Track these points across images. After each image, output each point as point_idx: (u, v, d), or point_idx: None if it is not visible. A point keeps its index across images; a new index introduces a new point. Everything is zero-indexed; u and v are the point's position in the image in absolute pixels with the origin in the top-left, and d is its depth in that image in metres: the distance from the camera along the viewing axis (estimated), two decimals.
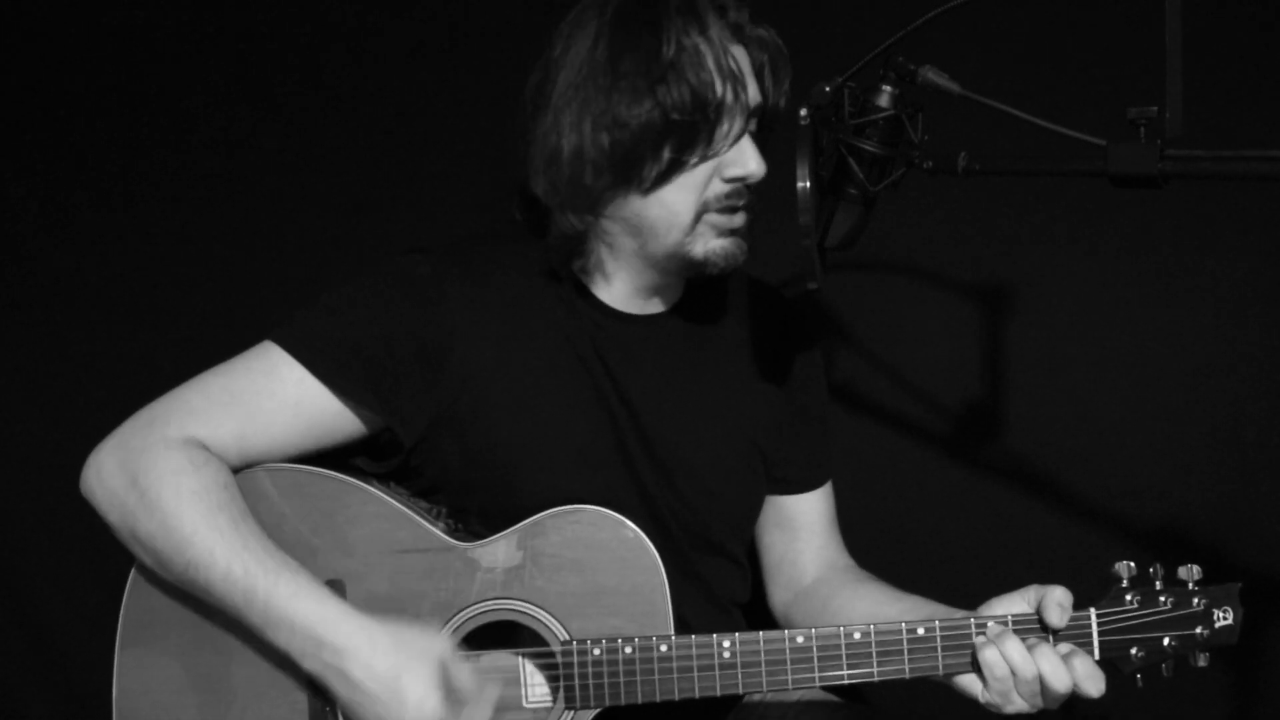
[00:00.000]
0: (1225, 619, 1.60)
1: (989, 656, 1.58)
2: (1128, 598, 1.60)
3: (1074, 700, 1.59)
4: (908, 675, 1.62)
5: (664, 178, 1.66)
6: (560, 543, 1.67)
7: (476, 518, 1.73)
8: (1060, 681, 1.56)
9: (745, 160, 1.68)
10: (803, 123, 1.58)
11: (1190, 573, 1.60)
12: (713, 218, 1.70)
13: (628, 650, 1.63)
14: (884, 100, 1.59)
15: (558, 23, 1.75)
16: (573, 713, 1.65)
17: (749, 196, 1.71)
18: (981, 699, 1.62)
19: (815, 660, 1.62)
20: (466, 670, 1.60)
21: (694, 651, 1.63)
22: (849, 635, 1.62)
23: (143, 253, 2.67)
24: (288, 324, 1.70)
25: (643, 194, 1.67)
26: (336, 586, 1.67)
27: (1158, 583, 1.61)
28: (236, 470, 1.68)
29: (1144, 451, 2.41)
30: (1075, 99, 1.92)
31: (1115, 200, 1.69)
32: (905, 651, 1.61)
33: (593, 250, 1.75)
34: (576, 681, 1.64)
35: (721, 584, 1.87)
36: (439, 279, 1.71)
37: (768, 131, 1.73)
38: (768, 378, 1.91)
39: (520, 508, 1.68)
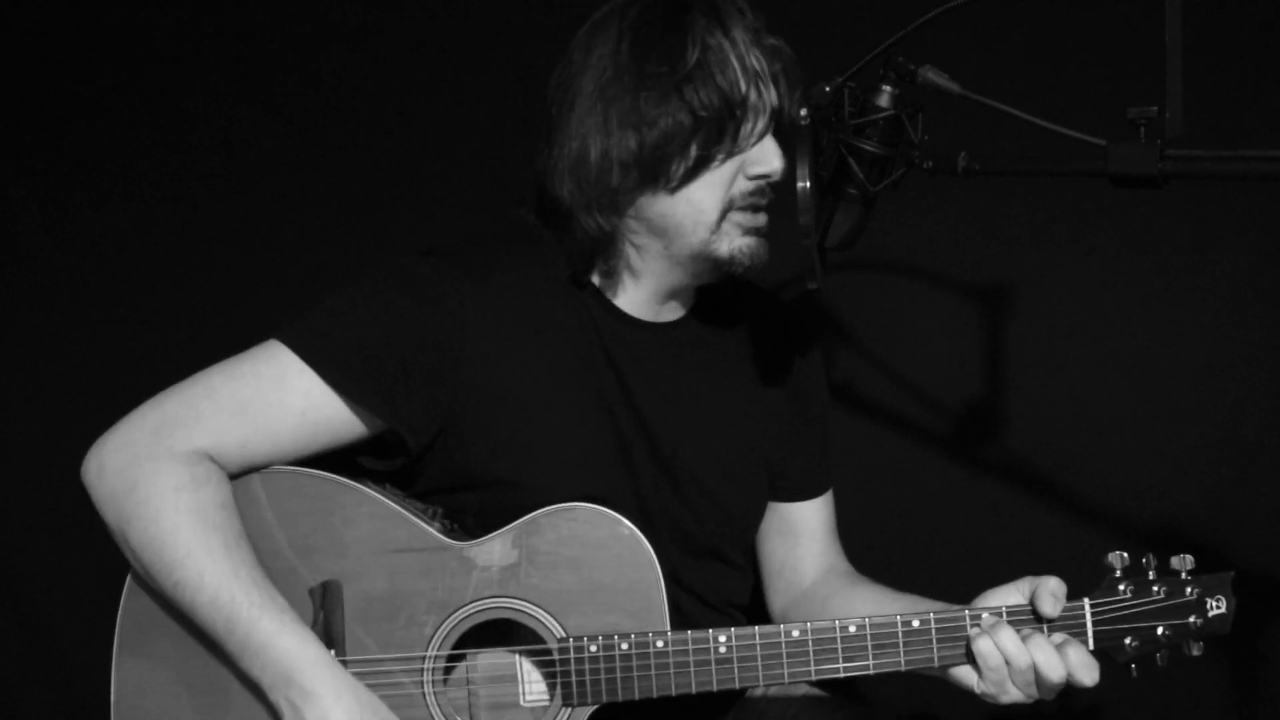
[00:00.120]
0: (1218, 607, 1.60)
1: (983, 646, 1.58)
2: (1121, 587, 1.61)
3: (1069, 691, 1.59)
4: (903, 668, 1.62)
5: (691, 175, 1.67)
6: (556, 540, 1.67)
7: (473, 518, 1.73)
8: (1054, 671, 1.56)
9: (769, 158, 1.69)
10: (803, 123, 1.58)
11: (1183, 562, 1.61)
12: (737, 216, 1.71)
13: (624, 646, 1.64)
14: (884, 100, 1.59)
15: (558, 23, 1.76)
16: (570, 710, 1.65)
17: (770, 195, 1.72)
18: (977, 689, 1.62)
19: (811, 654, 1.62)
20: None
21: (690, 647, 1.63)
22: (844, 629, 1.62)
23: (143, 253, 2.67)
24: (296, 326, 1.69)
25: (669, 192, 1.68)
26: (333, 587, 1.67)
27: (1150, 573, 1.61)
28: (237, 475, 1.68)
29: (1144, 451, 2.41)
30: (1075, 99, 1.92)
31: (1115, 200, 1.70)
32: (900, 644, 1.62)
33: (620, 253, 1.76)
34: (574, 678, 1.64)
35: (721, 589, 1.87)
36: (448, 281, 1.70)
37: (780, 137, 1.74)
38: (773, 386, 1.91)
39: (521, 510, 1.68)
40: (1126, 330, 2.42)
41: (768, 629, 1.63)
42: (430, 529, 1.69)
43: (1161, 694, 2.29)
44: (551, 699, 1.68)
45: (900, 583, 1.88)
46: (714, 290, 1.86)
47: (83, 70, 2.68)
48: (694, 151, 1.66)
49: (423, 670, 1.67)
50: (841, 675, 1.62)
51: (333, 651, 1.63)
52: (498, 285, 1.73)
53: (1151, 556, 1.61)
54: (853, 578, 1.93)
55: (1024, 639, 1.58)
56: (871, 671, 1.62)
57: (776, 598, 1.98)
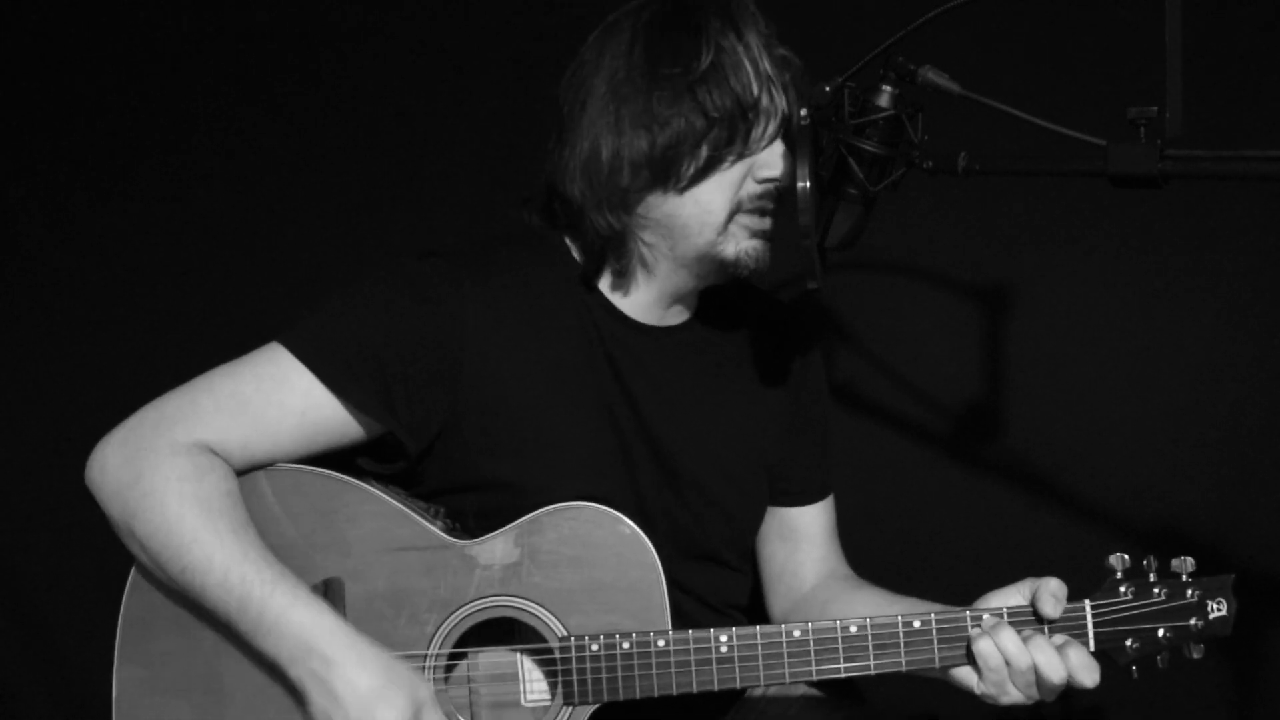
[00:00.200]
0: (1219, 610, 1.60)
1: (983, 647, 1.58)
2: (1122, 589, 1.61)
3: (1070, 692, 1.59)
4: (904, 668, 1.62)
5: (700, 176, 1.68)
6: (558, 539, 1.67)
7: (474, 517, 1.73)
8: (1055, 672, 1.56)
9: (778, 161, 1.70)
10: (803, 123, 1.58)
11: (1184, 564, 1.61)
12: (744, 218, 1.71)
13: (625, 646, 1.64)
14: (884, 100, 1.59)
15: (558, 23, 1.76)
16: (571, 709, 1.65)
17: (778, 198, 1.72)
18: (977, 690, 1.62)
19: (813, 654, 1.62)
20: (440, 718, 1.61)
21: (691, 646, 1.63)
22: (845, 629, 1.62)
23: (143, 253, 2.67)
24: (296, 328, 1.69)
25: (678, 192, 1.69)
26: (335, 585, 1.67)
27: (1152, 575, 1.61)
28: (240, 473, 1.68)
29: (1144, 451, 2.41)
30: (1075, 99, 1.92)
31: (1115, 200, 1.70)
32: (901, 644, 1.62)
33: (629, 252, 1.76)
34: (575, 677, 1.64)
35: (720, 590, 1.87)
36: (449, 282, 1.70)
37: (788, 145, 1.74)
38: (774, 391, 1.92)
39: (522, 511, 1.68)
40: (1126, 330, 2.42)
41: (769, 629, 1.63)
42: (433, 528, 1.69)
43: (1162, 695, 2.29)
44: (553, 698, 1.68)
45: (899, 582, 1.88)
46: (717, 295, 1.86)
47: (83, 70, 2.68)
48: (704, 152, 1.66)
49: (424, 669, 1.67)
50: (843, 675, 1.62)
51: None
52: (498, 286, 1.74)
53: (1153, 559, 1.61)
54: (853, 582, 1.93)
55: (1025, 640, 1.58)
56: (872, 672, 1.62)
57: (777, 602, 1.98)
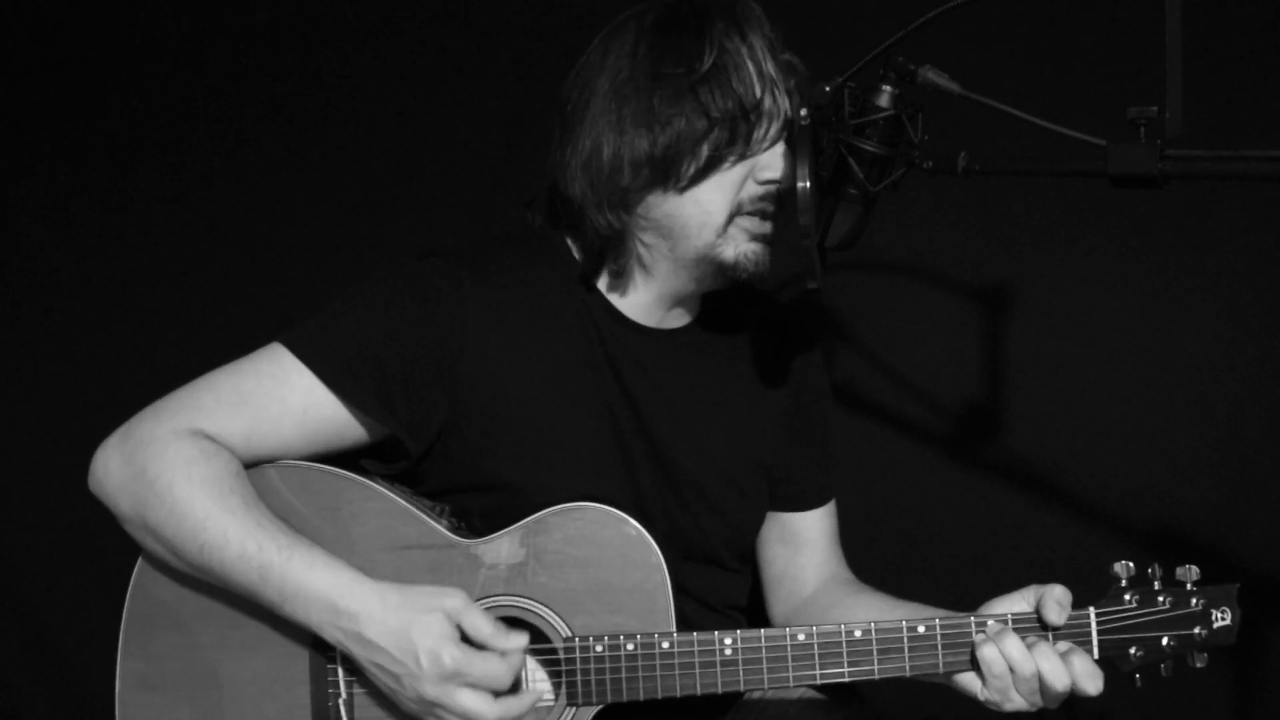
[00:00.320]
0: (1223, 619, 1.60)
1: (988, 654, 1.58)
2: (1126, 597, 1.60)
3: (1073, 699, 1.59)
4: (908, 673, 1.62)
5: (700, 176, 1.67)
6: (563, 540, 1.67)
7: (479, 517, 1.73)
8: (1059, 679, 1.56)
9: (779, 163, 1.70)
10: (803, 123, 1.58)
11: (1188, 573, 1.60)
12: (744, 221, 1.71)
13: (630, 647, 1.64)
14: (884, 100, 1.59)
15: (558, 23, 1.76)
16: (574, 709, 1.66)
17: (778, 202, 1.72)
18: (981, 697, 1.62)
19: (817, 658, 1.62)
20: (484, 620, 1.59)
21: (696, 648, 1.63)
22: (850, 633, 1.62)
23: (143, 253, 2.67)
24: (298, 329, 1.69)
25: (678, 192, 1.69)
26: None
27: (1156, 583, 1.61)
28: (245, 466, 1.68)
29: (1144, 451, 2.41)
30: (1075, 99, 1.92)
31: (1115, 200, 1.70)
32: (906, 649, 1.61)
33: (628, 252, 1.76)
34: (579, 678, 1.64)
35: (719, 592, 1.87)
36: (449, 282, 1.70)
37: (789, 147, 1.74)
38: (776, 395, 1.91)
39: (522, 511, 1.68)
40: (1126, 330, 2.42)
41: (773, 632, 1.63)
42: (438, 526, 1.69)
43: (1164, 699, 2.29)
44: (556, 698, 1.68)
45: (900, 583, 1.88)
46: (719, 299, 1.86)
47: (83, 70, 2.68)
48: (705, 152, 1.66)
49: None
50: (846, 680, 1.62)
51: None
52: (499, 286, 1.74)
53: (1157, 566, 1.61)
54: (855, 586, 1.93)
55: (1029, 647, 1.57)
56: (876, 676, 1.62)
57: (778, 606, 1.98)
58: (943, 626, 1.61)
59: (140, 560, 1.71)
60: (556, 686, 1.68)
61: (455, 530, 1.70)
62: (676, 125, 1.66)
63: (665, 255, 1.75)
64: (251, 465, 1.69)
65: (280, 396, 1.67)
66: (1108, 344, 2.43)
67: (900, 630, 1.62)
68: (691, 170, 1.67)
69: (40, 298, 2.69)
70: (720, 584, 1.87)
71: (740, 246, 1.72)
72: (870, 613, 1.82)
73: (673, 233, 1.72)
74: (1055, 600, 1.59)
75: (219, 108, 2.66)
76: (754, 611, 1.98)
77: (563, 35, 1.82)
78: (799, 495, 1.95)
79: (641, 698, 1.63)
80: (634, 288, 1.79)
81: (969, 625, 1.61)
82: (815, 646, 1.62)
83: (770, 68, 1.68)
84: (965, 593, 1.71)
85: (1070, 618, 1.59)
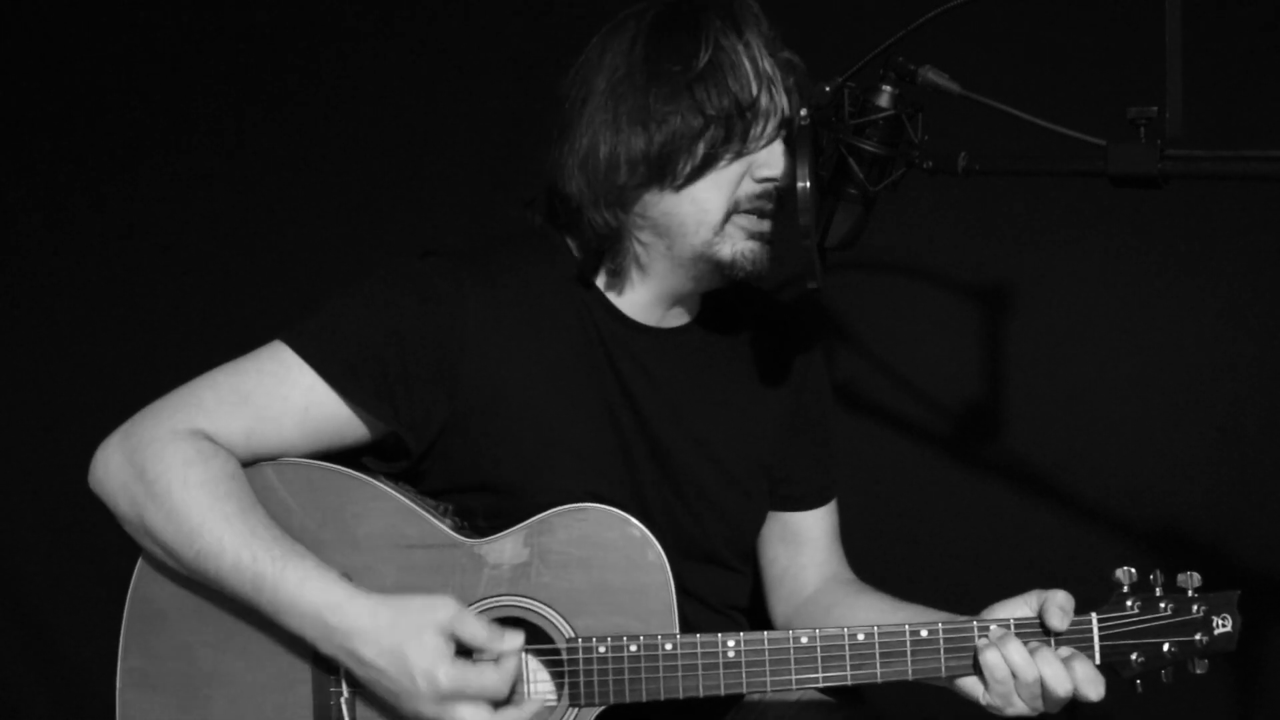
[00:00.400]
0: (1224, 626, 1.60)
1: (990, 659, 1.58)
2: (1128, 603, 1.60)
3: (1075, 704, 1.59)
4: (910, 677, 1.62)
5: (697, 174, 1.67)
6: (567, 540, 1.67)
7: (483, 517, 1.73)
8: (1061, 685, 1.56)
9: (777, 161, 1.70)
10: (803, 123, 1.58)
11: (1189, 580, 1.60)
12: (742, 219, 1.71)
13: (633, 648, 1.64)
14: (884, 100, 1.59)
15: (558, 23, 1.76)
16: (577, 710, 1.65)
17: (777, 200, 1.72)
18: (983, 701, 1.62)
19: (819, 661, 1.62)
20: (478, 626, 1.59)
21: (699, 650, 1.63)
22: (853, 636, 1.62)
23: (143, 253, 2.67)
24: (300, 326, 1.70)
25: (675, 190, 1.68)
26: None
27: (1158, 589, 1.61)
28: (245, 465, 1.68)
29: (1144, 452, 2.41)
30: (1075, 99, 1.92)
31: (1115, 200, 1.70)
32: (909, 653, 1.61)
33: (625, 251, 1.76)
34: (581, 679, 1.64)
35: (721, 592, 1.87)
36: (450, 282, 1.71)
37: (787, 147, 1.74)
38: (777, 395, 1.91)
39: (523, 510, 1.68)
40: (1126, 330, 2.42)
41: (776, 634, 1.63)
42: (442, 525, 1.69)
43: (1164, 702, 2.28)
44: (559, 699, 1.68)
45: (898, 582, 1.88)
46: (720, 298, 1.86)
47: (83, 70, 2.68)
48: (701, 150, 1.66)
49: None
50: (849, 683, 1.62)
51: None
52: (499, 285, 1.74)
53: (1159, 573, 1.61)
54: (856, 586, 1.93)
55: (1031, 652, 1.57)
56: (879, 680, 1.62)
57: (779, 605, 1.98)
58: (945, 631, 1.61)
59: (140, 560, 1.71)
60: (559, 687, 1.68)
61: (459, 530, 1.70)
62: (672, 123, 1.65)
63: (663, 254, 1.75)
64: (252, 464, 1.69)
65: (281, 395, 1.67)
66: (1108, 344, 2.43)
67: (903, 634, 1.61)
68: (688, 168, 1.67)
69: (40, 298, 2.69)
70: (722, 584, 1.87)
71: (737, 245, 1.72)
72: (871, 613, 1.82)
73: (670, 231, 1.72)
74: (1058, 606, 1.59)
75: (219, 108, 2.66)
76: (755, 612, 1.98)
77: (563, 35, 1.82)
78: (800, 495, 1.95)
79: (644, 699, 1.63)
80: (632, 287, 1.79)
81: (972, 629, 1.61)
82: (818, 649, 1.62)
83: (767, 65, 1.68)
84: (965, 593, 1.71)
85: (1073, 623, 1.59)
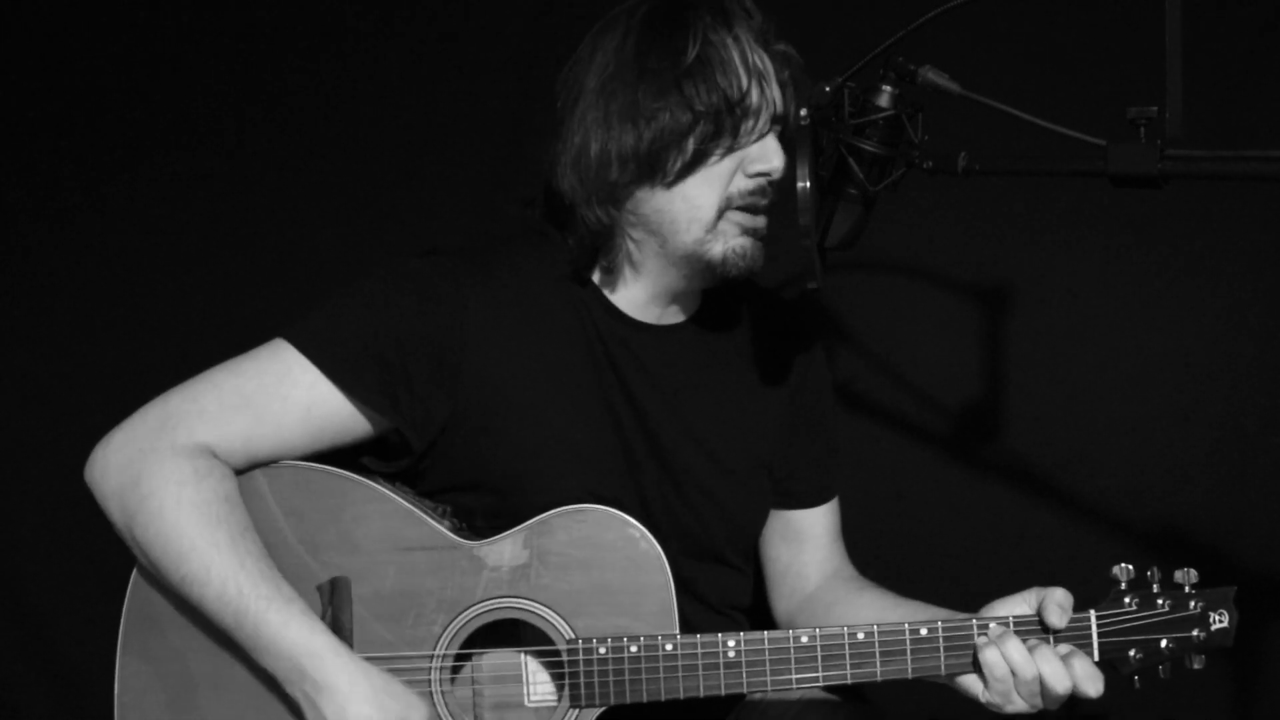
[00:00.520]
0: (1221, 622, 1.61)
1: (990, 657, 1.58)
2: (1126, 600, 1.61)
3: (1073, 700, 1.59)
4: (910, 675, 1.62)
5: (688, 170, 1.67)
6: (567, 542, 1.67)
7: (482, 518, 1.73)
8: (1060, 682, 1.57)
9: (769, 155, 1.69)
10: (803, 123, 1.58)
11: (1187, 576, 1.61)
12: (735, 215, 1.71)
13: (633, 649, 1.64)
14: (884, 100, 1.59)
15: (557, 23, 1.76)
16: (578, 711, 1.65)
17: (771, 196, 1.72)
18: (982, 699, 1.62)
19: (819, 660, 1.62)
20: None
21: (699, 650, 1.63)
22: (853, 635, 1.62)
23: (143, 253, 2.67)
24: (301, 324, 1.70)
25: (666, 187, 1.68)
26: (342, 584, 1.67)
27: (1155, 586, 1.62)
28: (242, 471, 1.68)
29: (1144, 452, 2.41)
30: (1075, 99, 1.92)
31: (1115, 200, 1.70)
32: (909, 652, 1.62)
33: (618, 248, 1.76)
34: (582, 680, 1.64)
35: (723, 591, 1.87)
36: (454, 281, 1.71)
37: (785, 143, 1.74)
38: (777, 392, 1.91)
39: (525, 510, 1.68)
40: (1126, 330, 2.42)
41: (776, 634, 1.63)
42: (441, 527, 1.69)
43: (1163, 699, 2.29)
44: (559, 700, 1.68)
45: (898, 582, 1.88)
46: (719, 295, 1.86)
47: (82, 70, 2.68)
48: (691, 146, 1.66)
49: (430, 669, 1.67)
50: (849, 682, 1.63)
51: None
52: (500, 284, 1.74)
53: (1156, 569, 1.62)
54: (858, 582, 1.93)
55: (1030, 650, 1.58)
56: (879, 679, 1.62)
57: (781, 602, 1.98)
58: (945, 629, 1.61)
59: (137, 564, 1.70)
60: (560, 689, 1.68)
61: (457, 531, 1.70)
62: (661, 120, 1.65)
63: (655, 252, 1.74)
64: (252, 467, 1.69)
65: (283, 394, 1.67)
66: (1108, 344, 2.43)
67: (903, 633, 1.62)
68: (678, 165, 1.67)
69: (40, 298, 2.69)
70: (724, 582, 1.87)
71: (730, 242, 1.71)
72: (872, 610, 1.82)
73: (662, 228, 1.71)
74: (1057, 603, 1.59)
75: (219, 108, 2.66)
76: (756, 611, 1.98)
77: (563, 35, 1.82)
78: (802, 493, 1.95)
79: (645, 700, 1.64)
80: (626, 284, 1.79)
81: (971, 628, 1.61)
82: (818, 649, 1.62)
83: (758, 59, 1.68)
84: (965, 593, 1.71)
85: (1071, 620, 1.60)
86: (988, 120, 1.52)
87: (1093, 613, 1.61)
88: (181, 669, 1.68)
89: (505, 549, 1.68)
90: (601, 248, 1.76)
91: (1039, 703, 1.60)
